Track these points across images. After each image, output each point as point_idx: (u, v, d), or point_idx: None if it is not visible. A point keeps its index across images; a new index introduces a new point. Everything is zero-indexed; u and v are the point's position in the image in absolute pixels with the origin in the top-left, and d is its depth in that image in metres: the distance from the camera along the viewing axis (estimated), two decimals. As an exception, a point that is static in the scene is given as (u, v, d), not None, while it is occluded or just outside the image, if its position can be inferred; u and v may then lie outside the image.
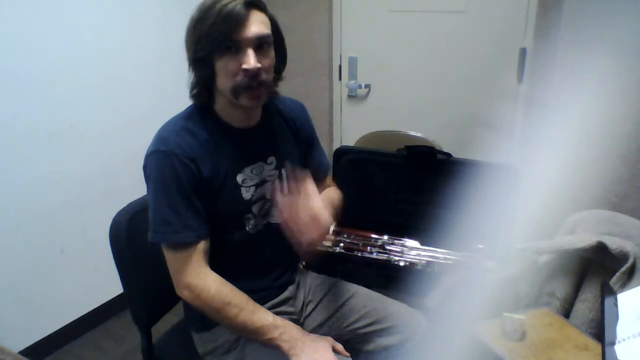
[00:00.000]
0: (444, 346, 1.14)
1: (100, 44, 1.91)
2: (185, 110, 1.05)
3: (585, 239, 1.18)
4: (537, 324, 1.09)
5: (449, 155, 1.66)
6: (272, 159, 1.09)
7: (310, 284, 1.26)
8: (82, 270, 1.97)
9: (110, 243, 1.12)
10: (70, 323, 1.97)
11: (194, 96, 1.02)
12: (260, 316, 1.00)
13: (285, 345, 1.00)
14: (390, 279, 1.52)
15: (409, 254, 1.62)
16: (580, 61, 1.56)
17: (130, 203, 1.17)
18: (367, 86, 2.47)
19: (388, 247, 1.65)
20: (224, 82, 0.96)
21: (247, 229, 1.07)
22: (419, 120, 2.36)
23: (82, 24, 1.83)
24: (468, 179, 1.49)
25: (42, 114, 1.75)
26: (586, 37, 1.60)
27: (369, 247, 1.62)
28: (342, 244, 1.67)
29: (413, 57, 2.34)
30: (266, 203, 1.09)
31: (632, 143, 1.46)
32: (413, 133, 2.03)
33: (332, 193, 1.25)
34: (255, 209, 1.07)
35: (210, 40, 0.91)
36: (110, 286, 1.99)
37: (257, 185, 1.06)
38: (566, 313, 1.22)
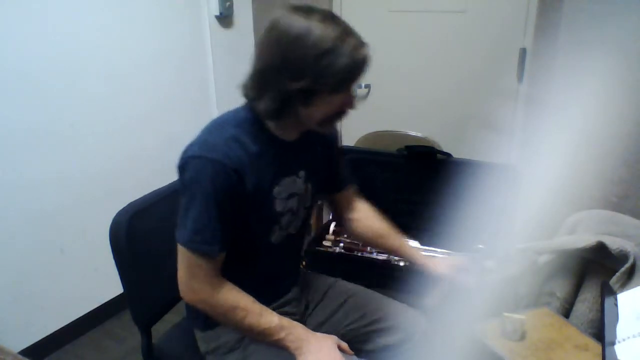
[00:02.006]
0: (444, 346, 1.14)
1: (101, 44, 1.90)
2: (234, 115, 1.00)
3: (585, 239, 1.18)
4: (537, 324, 1.09)
5: (449, 155, 1.66)
6: (302, 172, 1.08)
7: (311, 283, 1.27)
8: (82, 270, 1.97)
9: (110, 243, 1.12)
10: (70, 323, 1.97)
11: (268, 114, 0.96)
12: (267, 318, 1.00)
13: (291, 345, 1.00)
14: (390, 279, 1.52)
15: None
16: (580, 61, 1.56)
17: (130, 203, 1.17)
18: (367, 86, 2.47)
19: (388, 247, 1.65)
20: (316, 113, 0.94)
21: (271, 239, 1.06)
22: (419, 120, 2.36)
23: (82, 24, 1.83)
24: (468, 179, 1.49)
25: (42, 114, 1.74)
26: (586, 37, 1.60)
27: (369, 247, 1.62)
28: (342, 244, 1.67)
29: (413, 57, 2.34)
30: (293, 216, 1.08)
31: (632, 143, 1.46)
32: (413, 133, 2.03)
33: (375, 215, 1.25)
34: (283, 220, 1.06)
35: (338, 79, 0.89)
36: (110, 286, 1.98)
37: (288, 198, 1.05)
38: (566, 313, 1.22)
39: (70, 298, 1.95)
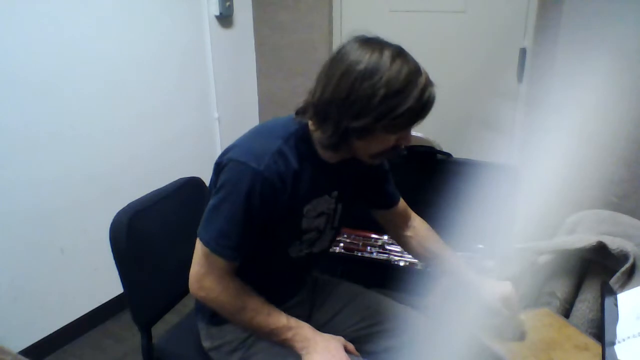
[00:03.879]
0: (444, 346, 1.14)
1: (101, 44, 1.90)
2: (284, 126, 0.98)
3: (585, 239, 1.18)
4: (537, 324, 1.09)
5: (449, 155, 1.66)
6: (335, 192, 1.06)
7: (316, 283, 1.27)
8: (82, 270, 1.97)
9: (110, 243, 1.12)
10: (70, 323, 1.97)
11: (324, 145, 0.95)
12: (275, 318, 1.00)
13: (298, 345, 1.00)
14: (390, 279, 1.52)
15: (409, 254, 1.61)
16: (580, 61, 1.56)
17: (131, 203, 1.17)
18: (367, 86, 2.47)
19: (388, 247, 1.65)
20: (370, 148, 0.93)
21: (289, 253, 1.06)
22: (419, 120, 2.36)
23: (83, 24, 1.83)
24: (468, 179, 1.49)
25: (43, 114, 1.74)
26: (586, 37, 1.60)
27: (369, 247, 1.62)
28: (342, 244, 1.67)
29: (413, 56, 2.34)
30: (318, 234, 1.07)
31: (632, 144, 1.46)
32: (413, 133, 2.03)
33: (429, 232, 1.22)
34: (305, 237, 1.05)
35: (401, 121, 0.87)
36: (110, 286, 1.98)
37: (316, 217, 1.04)
38: (566, 313, 1.22)
39: (70, 298, 1.95)
